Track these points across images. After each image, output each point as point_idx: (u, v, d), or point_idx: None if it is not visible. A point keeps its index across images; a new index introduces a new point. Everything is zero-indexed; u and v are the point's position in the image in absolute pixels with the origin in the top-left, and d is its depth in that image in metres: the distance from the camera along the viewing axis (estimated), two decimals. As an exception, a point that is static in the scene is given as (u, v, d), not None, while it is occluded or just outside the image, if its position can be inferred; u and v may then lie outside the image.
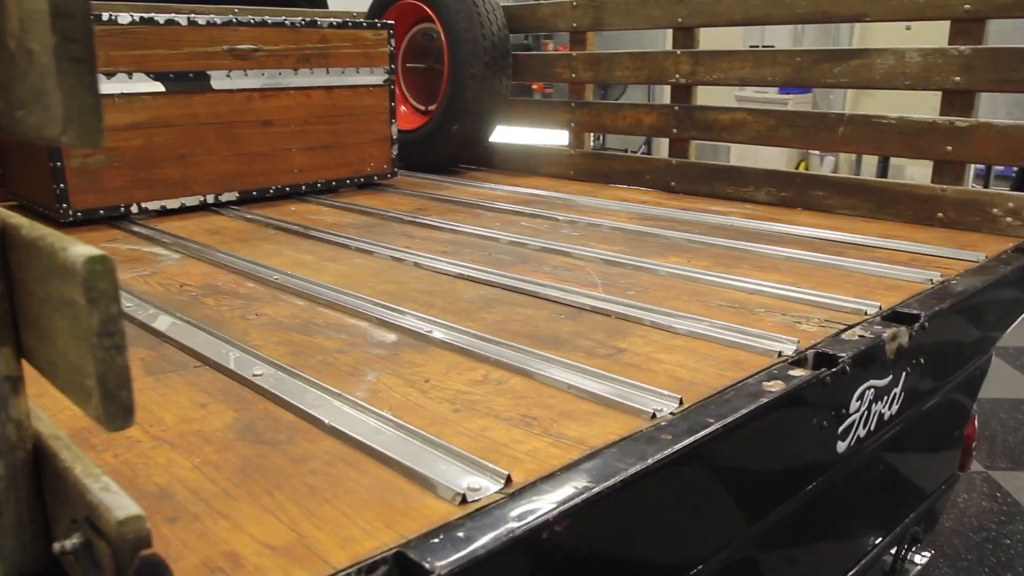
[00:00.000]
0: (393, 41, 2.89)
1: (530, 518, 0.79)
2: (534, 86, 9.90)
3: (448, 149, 3.21)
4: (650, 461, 0.90)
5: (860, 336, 1.33)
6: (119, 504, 0.59)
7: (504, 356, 1.24)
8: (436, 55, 3.20)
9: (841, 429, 1.26)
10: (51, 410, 1.06)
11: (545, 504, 0.81)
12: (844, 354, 1.23)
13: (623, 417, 1.03)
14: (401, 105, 3.46)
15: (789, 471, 1.19)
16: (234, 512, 0.82)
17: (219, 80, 2.48)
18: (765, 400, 1.07)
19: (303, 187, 2.75)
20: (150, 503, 0.84)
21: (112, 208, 2.32)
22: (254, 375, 1.17)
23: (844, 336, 1.33)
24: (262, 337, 1.35)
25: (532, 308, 1.52)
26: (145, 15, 2.31)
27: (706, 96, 2.73)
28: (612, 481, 0.86)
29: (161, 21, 2.33)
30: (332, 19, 2.75)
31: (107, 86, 2.25)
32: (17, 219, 0.65)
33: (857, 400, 1.29)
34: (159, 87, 2.35)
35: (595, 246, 1.99)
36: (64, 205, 2.23)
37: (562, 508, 0.81)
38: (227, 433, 1.00)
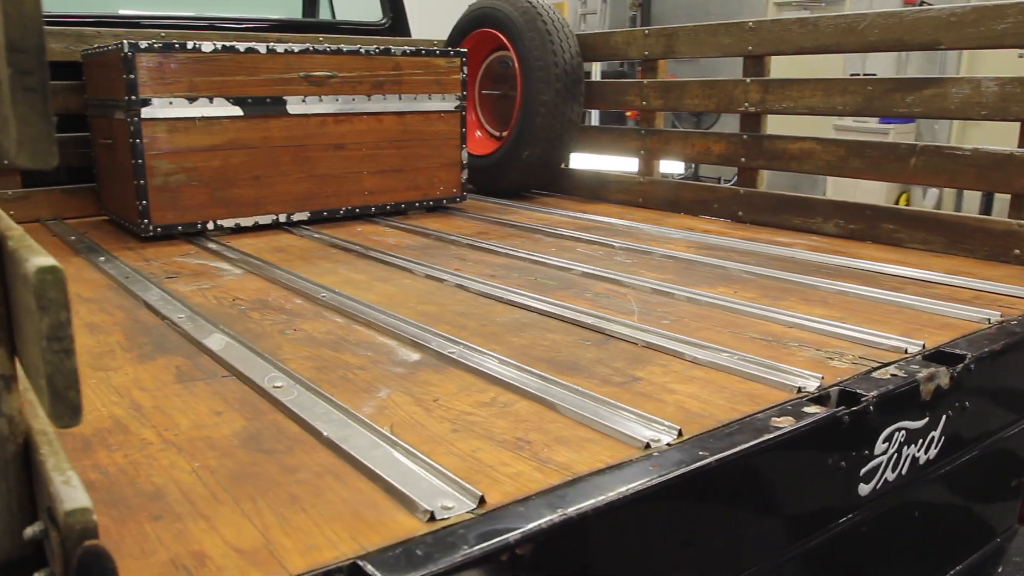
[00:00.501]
0: (466, 68, 2.96)
1: (491, 540, 0.79)
2: (628, 113, 9.89)
3: (519, 175, 3.25)
4: (628, 491, 0.89)
5: (893, 375, 1.27)
6: (71, 496, 0.63)
7: (517, 380, 1.25)
8: (511, 82, 3.26)
9: (864, 471, 1.21)
10: (93, 411, 1.14)
11: (510, 526, 0.82)
12: (869, 393, 1.19)
13: (617, 446, 1.03)
14: (476, 131, 3.53)
15: (800, 512, 1.14)
16: (214, 515, 0.86)
17: (295, 105, 2.60)
18: (769, 436, 1.05)
19: (372, 209, 2.84)
20: (142, 501, 0.89)
21: (190, 225, 2.46)
22: (274, 387, 1.22)
23: (875, 375, 1.28)
24: (293, 351, 1.41)
25: (562, 333, 1.52)
26: (227, 44, 2.45)
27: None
28: (584, 508, 0.86)
29: (242, 49, 2.47)
30: (406, 47, 2.84)
31: (189, 110, 2.40)
32: (11, 229, 0.71)
33: (884, 442, 1.23)
34: (238, 111, 2.49)
35: (645, 274, 1.98)
36: (145, 221, 2.38)
37: (525, 531, 0.81)
38: (232, 440, 1.05)
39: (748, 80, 2.65)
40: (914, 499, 1.37)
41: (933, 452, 1.35)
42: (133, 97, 2.30)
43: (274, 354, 1.38)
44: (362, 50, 2.72)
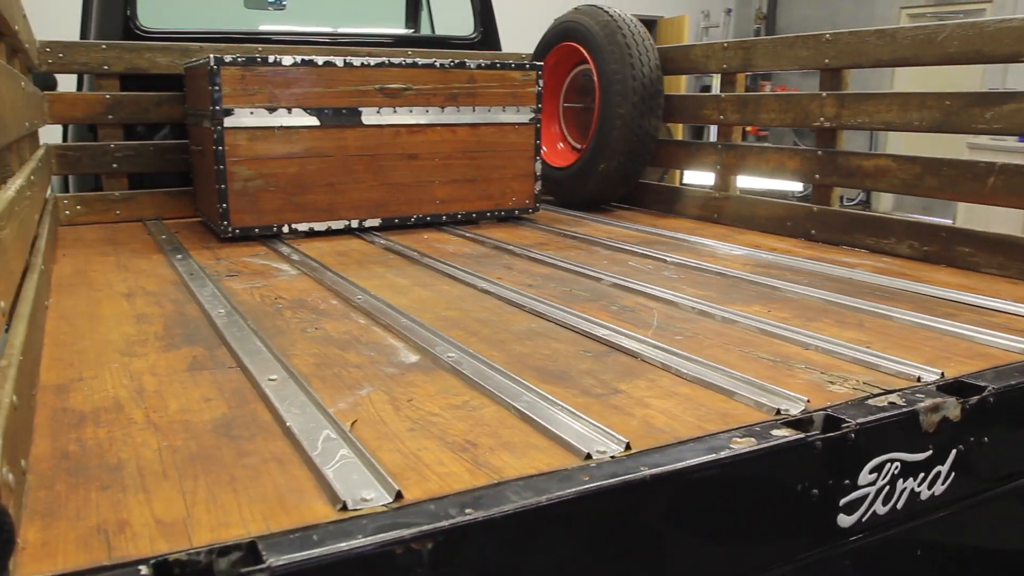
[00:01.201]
0: (541, 82, 3.00)
1: (387, 532, 0.82)
2: (748, 128, 9.61)
3: (596, 187, 3.26)
4: (543, 499, 0.90)
5: (891, 403, 1.21)
6: (-22, 458, 0.71)
7: (497, 386, 1.27)
8: (592, 95, 3.27)
9: (845, 502, 1.15)
10: (102, 391, 1.24)
11: (412, 522, 0.84)
12: (852, 420, 1.13)
13: (561, 455, 1.03)
14: (559, 142, 3.57)
15: (758, 537, 1.10)
16: (155, 489, 0.93)
17: (369, 116, 2.71)
18: (719, 456, 1.02)
19: (443, 217, 2.92)
20: (100, 472, 0.97)
21: (266, 227, 2.62)
22: (268, 380, 1.29)
23: (872, 402, 1.22)
24: (303, 348, 1.48)
25: (568, 344, 1.53)
26: (306, 57, 2.59)
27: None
28: (493, 513, 0.87)
29: (320, 63, 2.61)
30: (481, 60, 2.91)
31: (269, 120, 2.56)
32: None
33: (872, 472, 1.17)
34: (315, 121, 2.63)
35: (684, 289, 1.95)
36: (225, 223, 2.55)
37: (425, 529, 0.84)
38: (207, 425, 1.12)
39: (824, 94, 2.55)
40: (916, 537, 1.29)
41: (940, 488, 1.26)
42: (217, 107, 2.47)
43: (284, 350, 1.46)
44: (437, 63, 2.81)
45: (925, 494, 1.25)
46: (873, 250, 2.43)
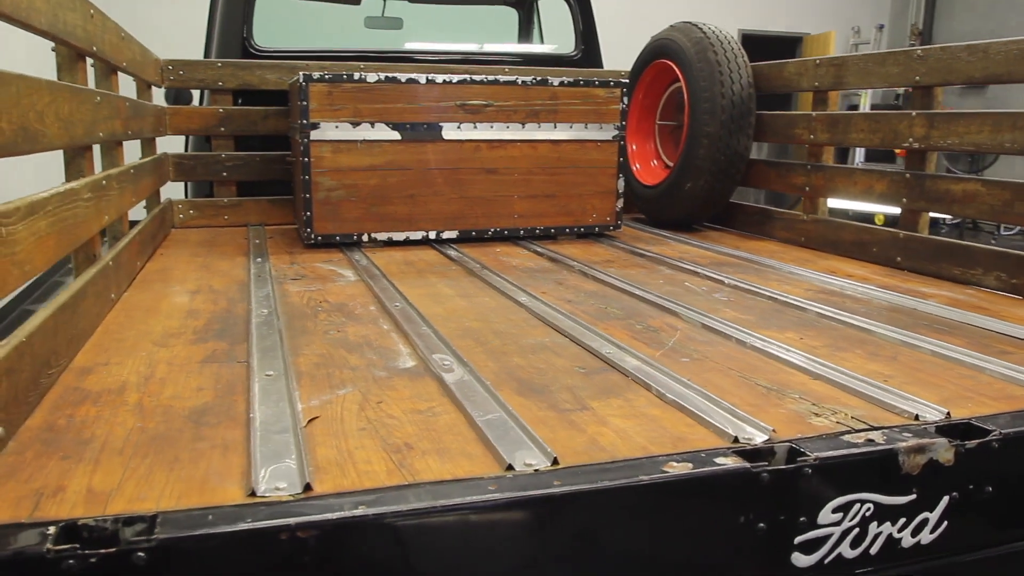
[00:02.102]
0: (626, 99, 2.99)
1: (275, 520, 0.87)
2: (897, 151, 9.04)
3: (683, 206, 3.20)
4: (438, 504, 0.92)
5: (868, 440, 1.14)
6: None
7: (468, 395, 1.29)
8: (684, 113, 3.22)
9: (801, 540, 1.09)
10: (116, 376, 1.37)
11: (305, 512, 0.89)
12: (811, 454, 1.08)
13: (488, 463, 1.05)
14: (653, 159, 3.53)
15: (693, 567, 1.06)
16: (104, 462, 1.03)
17: (450, 131, 2.81)
18: (643, 480, 1.00)
19: (521, 232, 2.97)
20: (69, 445, 1.08)
21: (347, 236, 2.76)
22: (265, 375, 1.38)
23: (849, 437, 1.15)
24: (314, 349, 1.57)
25: (569, 359, 1.53)
26: (390, 75, 2.72)
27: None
28: (383, 511, 0.90)
29: (403, 80, 2.73)
30: (564, 77, 2.94)
31: (353, 133, 2.70)
32: None
33: (836, 512, 1.10)
34: (396, 135, 2.75)
35: (722, 312, 1.89)
36: (308, 230, 2.71)
37: (312, 519, 0.88)
38: (184, 412, 1.22)
39: (913, 113, 2.40)
40: (899, 588, 1.19)
41: (928, 537, 1.17)
42: (305, 121, 2.64)
43: (297, 350, 1.55)
44: (519, 80, 2.86)
45: (908, 542, 1.16)
46: (959, 281, 2.26)
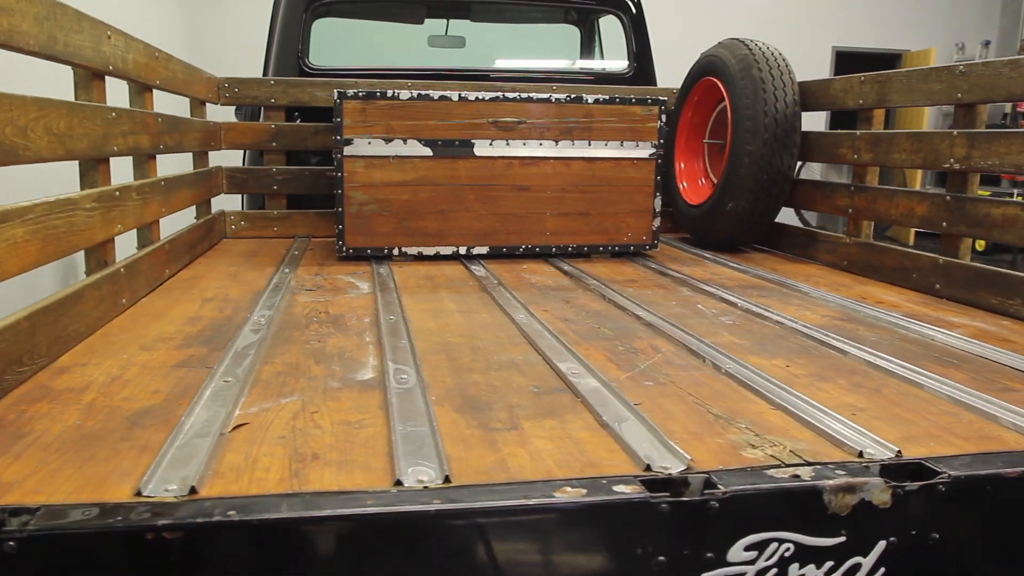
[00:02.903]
0: (664, 117, 2.94)
1: (152, 520, 0.90)
2: (1002, 176, 8.50)
3: (725, 226, 3.11)
4: (305, 514, 0.93)
5: (794, 476, 1.08)
6: None
7: (405, 410, 1.30)
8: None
9: (708, 576, 1.04)
10: (87, 376, 1.45)
11: (180, 514, 0.91)
12: (722, 488, 1.03)
13: (380, 477, 1.05)
14: (701, 178, 3.45)
15: None
16: (26, 456, 1.09)
17: (482, 148, 2.83)
18: (527, 503, 0.98)
19: (553, 249, 2.95)
20: (4, 437, 1.15)
21: (378, 249, 2.82)
22: (224, 381, 1.43)
23: (774, 472, 1.09)
24: (285, 357, 1.61)
25: (530, 378, 1.51)
26: (423, 92, 2.77)
27: None
28: (248, 518, 0.92)
29: (435, 97, 2.77)
30: (599, 95, 2.91)
31: (385, 149, 2.76)
32: None
33: (750, 549, 1.05)
34: (428, 152, 2.79)
35: (718, 337, 1.83)
36: (341, 242, 2.78)
37: (182, 520, 0.90)
38: (128, 412, 1.27)
39: (955, 132, 2.26)
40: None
41: (862, 584, 1.09)
42: (339, 137, 2.72)
43: (269, 358, 1.59)
44: (552, 98, 2.86)
45: (837, 588, 1.09)
46: (996, 311, 2.10)
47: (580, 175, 2.92)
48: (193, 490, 0.98)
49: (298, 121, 3.42)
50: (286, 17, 3.56)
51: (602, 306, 2.17)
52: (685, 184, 3.43)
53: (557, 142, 2.88)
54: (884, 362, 1.63)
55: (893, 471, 1.12)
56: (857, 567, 1.09)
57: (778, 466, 1.12)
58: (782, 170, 2.92)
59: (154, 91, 2.34)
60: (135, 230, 2.25)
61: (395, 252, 2.84)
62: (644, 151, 2.95)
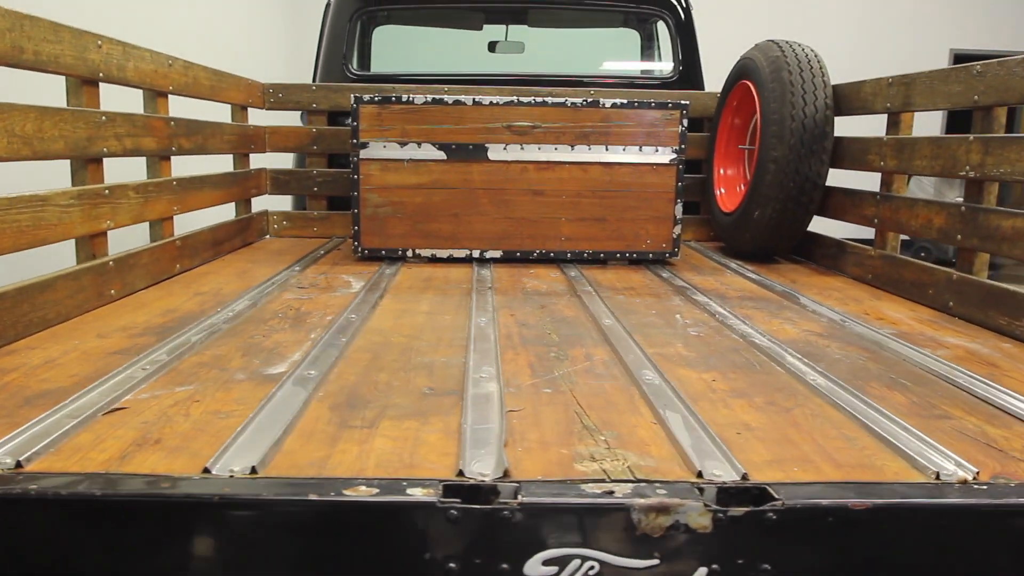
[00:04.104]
0: (686, 121, 2.85)
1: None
2: None
3: (753, 235, 2.98)
4: (98, 492, 0.98)
5: (607, 492, 1.04)
6: None
7: (280, 403, 1.33)
8: (767, 137, 3.01)
9: (504, 588, 1.02)
10: (27, 357, 1.56)
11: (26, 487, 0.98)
12: (520, 498, 1.01)
13: (196, 464, 1.08)
14: (739, 185, 3.33)
15: None
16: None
17: (496, 152, 2.84)
18: (312, 497, 0.99)
19: (568, 255, 2.92)
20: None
21: (392, 250, 2.88)
22: (141, 368, 1.51)
23: (589, 487, 1.05)
24: (220, 349, 1.67)
25: (432, 379, 1.51)
26: (437, 96, 2.81)
27: None
28: (64, 492, 0.98)
29: (449, 101, 2.81)
30: (617, 99, 2.86)
31: (400, 152, 2.82)
32: None
33: (548, 564, 1.01)
34: (442, 155, 2.83)
35: (668, 348, 1.77)
36: (357, 243, 2.87)
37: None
38: (36, 392, 1.37)
39: (971, 138, 2.08)
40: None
41: (681, 609, 1.04)
42: (355, 140, 2.80)
43: (202, 350, 1.66)
44: (568, 102, 2.84)
45: (654, 611, 1.04)
46: (1004, 332, 1.93)
47: (597, 180, 2.88)
48: (19, 464, 1.05)
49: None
50: (333, 25, 3.70)
51: (574, 313, 2.13)
52: (723, 190, 3.32)
53: (573, 146, 2.85)
54: (823, 381, 1.53)
55: (732, 495, 1.05)
56: (675, 592, 1.04)
57: (601, 480, 1.07)
58: (810, 177, 2.78)
59: (180, 97, 2.50)
60: (146, 225, 2.41)
61: (409, 254, 2.89)
62: (664, 156, 2.87)
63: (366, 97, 2.80)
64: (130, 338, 1.75)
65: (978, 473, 1.12)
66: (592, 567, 1.03)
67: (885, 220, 2.53)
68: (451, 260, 2.91)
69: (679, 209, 2.91)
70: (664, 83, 3.83)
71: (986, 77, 2.03)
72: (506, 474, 1.08)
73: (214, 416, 1.28)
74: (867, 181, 2.61)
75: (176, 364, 1.55)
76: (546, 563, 1.02)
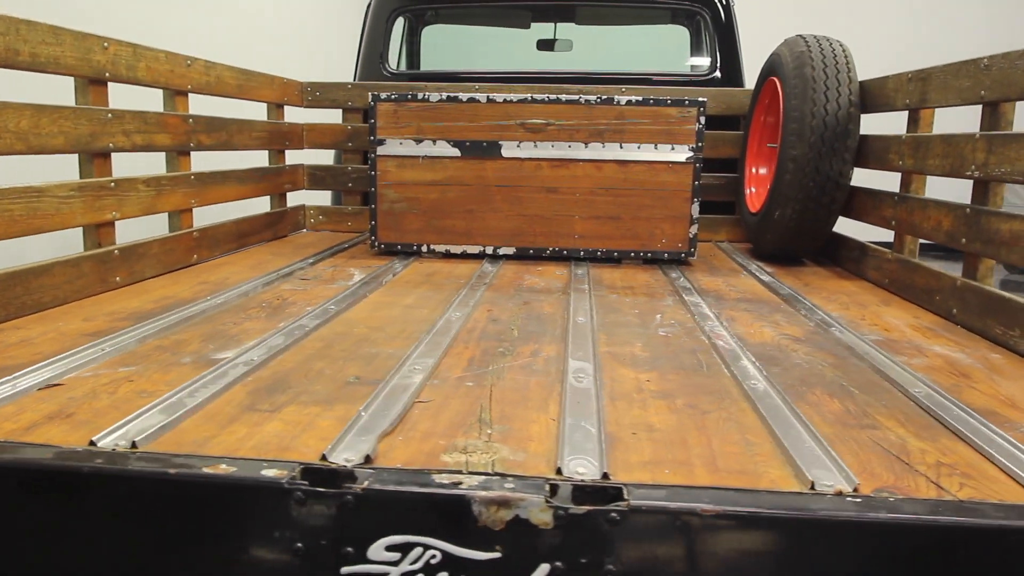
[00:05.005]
0: (703, 119, 2.79)
1: None
2: None
3: (774, 236, 2.89)
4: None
5: (453, 483, 1.05)
6: None
7: (202, 385, 1.40)
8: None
9: (349, 571, 1.04)
10: (7, 336, 1.69)
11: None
12: (365, 483, 1.04)
13: (89, 437, 1.16)
14: (768, 183, 3.22)
15: (223, 563, 1.06)
16: None
17: (509, 149, 2.86)
18: (169, 473, 1.05)
19: (581, 252, 2.91)
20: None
21: (407, 245, 2.94)
22: (100, 349, 1.61)
23: (440, 477, 1.07)
24: (184, 335, 1.76)
25: (366, 369, 1.55)
26: (452, 94, 2.85)
27: None
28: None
29: (464, 99, 2.84)
30: (632, 96, 2.83)
31: (415, 149, 2.87)
32: None
33: (391, 551, 1.03)
34: (456, 152, 2.87)
35: (624, 348, 1.75)
36: (373, 238, 2.94)
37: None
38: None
39: (977, 135, 1.96)
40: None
41: (525, 606, 1.04)
42: (373, 137, 2.88)
43: (166, 335, 1.75)
44: (582, 99, 2.83)
45: (496, 603, 1.04)
46: (997, 342, 1.81)
47: (611, 178, 2.86)
48: None
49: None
50: (371, 25, 3.79)
51: (552, 310, 2.13)
52: (753, 189, 3.23)
53: (587, 144, 2.84)
54: (762, 386, 1.49)
55: (587, 493, 1.05)
56: (520, 586, 1.04)
57: (456, 472, 1.09)
58: (832, 176, 2.67)
59: (203, 96, 2.64)
60: (165, 216, 2.55)
61: (424, 249, 2.94)
62: (680, 155, 2.82)
63: (383, 95, 2.87)
64: (111, 322, 1.86)
65: (859, 486, 1.07)
66: (434, 556, 1.04)
67: (902, 222, 2.41)
68: (464, 256, 2.94)
69: (696, 208, 2.85)
70: (702, 80, 3.75)
71: (992, 71, 1.91)
72: (367, 461, 1.10)
73: (137, 395, 1.36)
74: (891, 182, 2.50)
75: (136, 347, 1.65)
76: (389, 548, 1.04)
